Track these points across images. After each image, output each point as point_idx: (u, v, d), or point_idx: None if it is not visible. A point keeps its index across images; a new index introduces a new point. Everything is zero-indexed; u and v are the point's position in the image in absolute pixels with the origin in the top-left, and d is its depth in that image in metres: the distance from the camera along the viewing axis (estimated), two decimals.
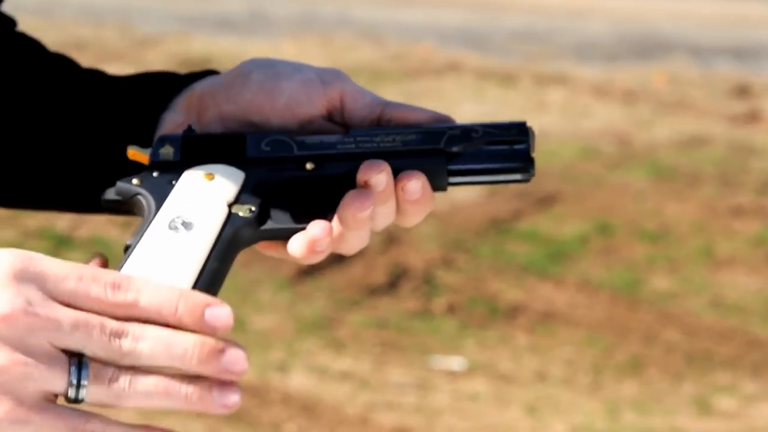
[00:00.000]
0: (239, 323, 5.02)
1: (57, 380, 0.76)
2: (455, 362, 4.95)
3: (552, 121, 8.26)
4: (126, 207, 1.03)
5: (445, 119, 1.06)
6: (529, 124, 1.04)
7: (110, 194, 1.02)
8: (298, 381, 4.74)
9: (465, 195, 6.51)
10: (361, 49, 10.75)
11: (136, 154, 1.04)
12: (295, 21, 12.65)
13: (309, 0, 14.01)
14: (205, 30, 12.09)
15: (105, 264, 0.89)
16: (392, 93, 8.95)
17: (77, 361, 0.76)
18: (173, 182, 1.00)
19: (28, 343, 0.75)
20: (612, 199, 6.64)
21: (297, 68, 1.06)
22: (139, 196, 1.00)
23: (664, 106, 8.98)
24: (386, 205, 0.99)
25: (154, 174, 1.02)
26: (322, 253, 0.99)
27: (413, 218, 1.02)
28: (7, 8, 1.17)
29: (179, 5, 14.12)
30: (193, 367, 0.78)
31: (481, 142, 1.02)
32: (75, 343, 0.76)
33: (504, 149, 1.02)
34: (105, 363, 0.77)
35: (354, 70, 10.06)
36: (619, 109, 8.87)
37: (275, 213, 1.02)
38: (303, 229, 0.99)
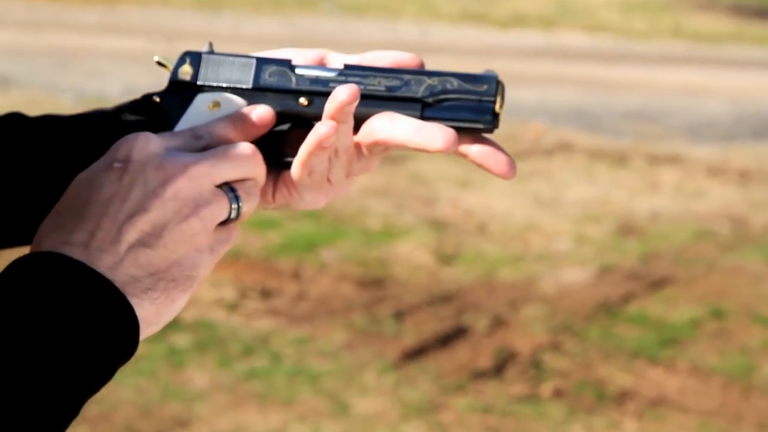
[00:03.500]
0: (342, 407, 5.08)
1: (222, 207, 1.06)
2: None
3: (665, 203, 8.24)
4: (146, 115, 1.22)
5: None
6: (499, 77, 1.14)
7: (137, 102, 1.22)
8: None
9: (575, 278, 6.53)
10: None
11: (162, 62, 1.20)
12: None
13: None
14: None
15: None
16: None
17: (228, 187, 1.07)
18: (187, 103, 1.16)
19: (202, 190, 1.05)
20: (726, 282, 6.58)
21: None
22: (159, 111, 1.18)
23: None
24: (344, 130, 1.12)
25: (173, 92, 1.18)
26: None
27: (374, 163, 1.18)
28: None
29: None
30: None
31: (455, 94, 1.12)
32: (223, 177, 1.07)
33: (473, 104, 1.12)
34: (239, 181, 1.08)
35: None
36: (735, 189, 8.80)
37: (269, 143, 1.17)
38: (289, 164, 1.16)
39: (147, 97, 1.21)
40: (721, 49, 17.43)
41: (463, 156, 1.12)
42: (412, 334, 5.65)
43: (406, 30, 17.83)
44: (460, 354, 5.52)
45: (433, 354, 5.50)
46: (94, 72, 12.09)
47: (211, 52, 1.18)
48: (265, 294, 6.07)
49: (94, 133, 1.22)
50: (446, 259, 6.84)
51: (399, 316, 5.88)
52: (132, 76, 11.63)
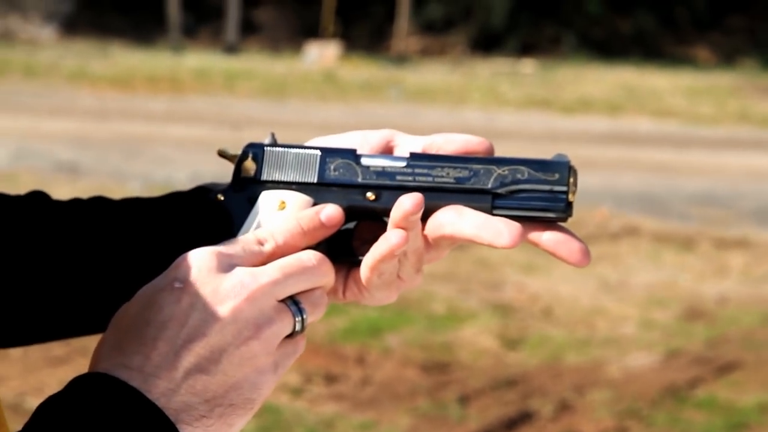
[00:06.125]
0: None
1: (286, 323, 1.03)
2: None
3: (732, 287, 8.21)
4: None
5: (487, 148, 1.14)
6: (571, 163, 1.09)
7: (214, 195, 1.17)
8: None
9: (641, 362, 6.53)
10: None
11: (225, 155, 1.16)
12: None
13: None
14: None
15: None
16: None
17: (292, 301, 1.04)
18: (252, 201, 1.13)
19: (264, 309, 1.02)
20: None
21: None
22: (224, 209, 1.14)
23: None
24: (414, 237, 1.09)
25: (236, 189, 1.14)
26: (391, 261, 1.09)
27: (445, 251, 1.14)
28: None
29: None
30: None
31: (526, 184, 1.08)
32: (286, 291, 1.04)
33: (545, 193, 1.08)
34: (304, 292, 1.05)
35: None
36: None
37: (340, 240, 1.13)
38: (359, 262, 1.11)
39: (211, 193, 1.19)
40: None
41: (535, 244, 1.08)
42: (476, 419, 5.65)
43: (472, 116, 17.97)
44: None
45: None
46: (161, 159, 12.29)
47: (273, 144, 1.14)
48: (330, 379, 6.11)
49: (170, 226, 1.23)
50: (511, 343, 6.86)
51: (464, 400, 5.89)
52: (199, 163, 11.81)
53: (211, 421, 1.00)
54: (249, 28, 28.81)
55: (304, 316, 1.04)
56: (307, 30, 27.51)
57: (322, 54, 24.26)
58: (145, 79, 19.80)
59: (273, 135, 1.15)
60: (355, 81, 21.45)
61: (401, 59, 26.25)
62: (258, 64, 23.34)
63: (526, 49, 29.01)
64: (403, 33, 27.90)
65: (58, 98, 17.28)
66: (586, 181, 11.45)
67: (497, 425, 5.60)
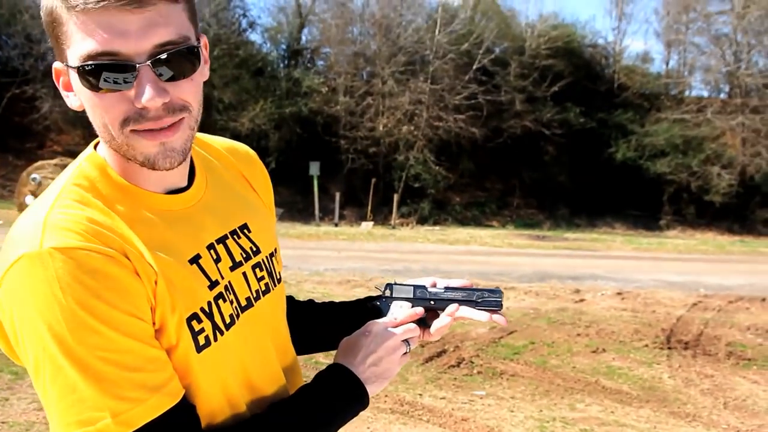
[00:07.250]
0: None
1: (404, 349, 1.96)
2: None
3: None
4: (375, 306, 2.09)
5: (472, 285, 2.03)
6: (501, 289, 1.97)
7: (372, 302, 2.14)
8: None
9: None
10: None
11: (378, 287, 2.10)
12: None
13: None
14: None
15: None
16: None
17: (405, 341, 1.97)
18: (389, 305, 2.05)
19: (397, 344, 1.95)
20: None
21: None
22: (379, 305, 2.09)
23: None
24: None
25: (383, 300, 2.06)
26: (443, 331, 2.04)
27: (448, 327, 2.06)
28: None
29: None
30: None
31: (488, 298, 1.98)
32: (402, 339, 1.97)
33: (495, 301, 1.97)
34: (410, 337, 1.99)
35: None
36: None
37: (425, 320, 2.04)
38: (428, 326, 2.06)
39: (372, 300, 2.14)
40: None
41: (491, 320, 1.97)
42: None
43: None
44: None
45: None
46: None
47: (395, 283, 2.03)
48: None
49: (355, 314, 2.15)
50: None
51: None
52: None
53: (377, 383, 1.88)
54: (342, 216, 30.67)
55: (410, 346, 1.94)
56: (362, 216, 32.52)
57: (368, 225, 29.23)
58: (321, 234, 22.75)
59: (395, 281, 2.06)
60: (378, 234, 25.06)
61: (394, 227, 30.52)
62: (351, 229, 27.48)
63: None
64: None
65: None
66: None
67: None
